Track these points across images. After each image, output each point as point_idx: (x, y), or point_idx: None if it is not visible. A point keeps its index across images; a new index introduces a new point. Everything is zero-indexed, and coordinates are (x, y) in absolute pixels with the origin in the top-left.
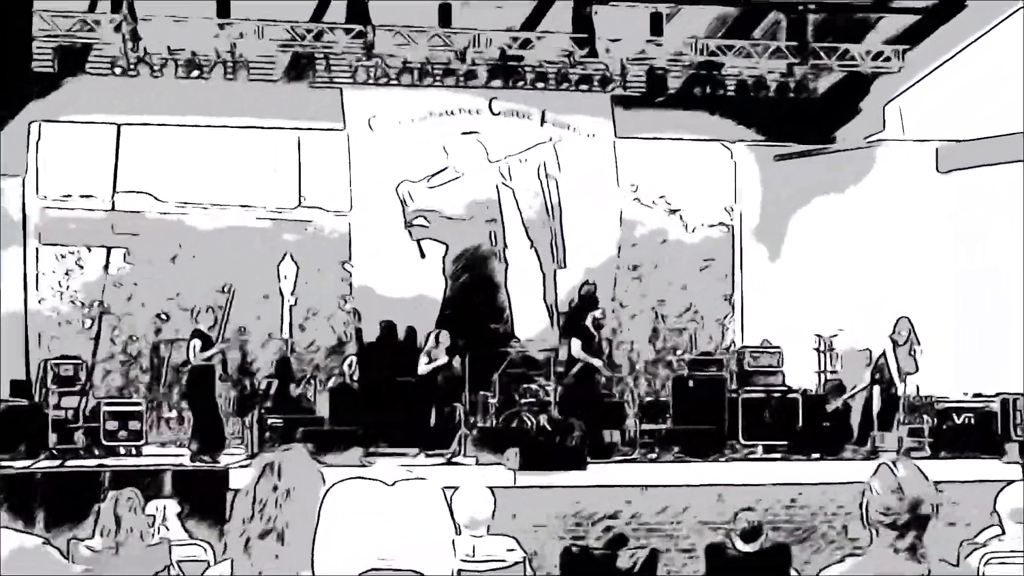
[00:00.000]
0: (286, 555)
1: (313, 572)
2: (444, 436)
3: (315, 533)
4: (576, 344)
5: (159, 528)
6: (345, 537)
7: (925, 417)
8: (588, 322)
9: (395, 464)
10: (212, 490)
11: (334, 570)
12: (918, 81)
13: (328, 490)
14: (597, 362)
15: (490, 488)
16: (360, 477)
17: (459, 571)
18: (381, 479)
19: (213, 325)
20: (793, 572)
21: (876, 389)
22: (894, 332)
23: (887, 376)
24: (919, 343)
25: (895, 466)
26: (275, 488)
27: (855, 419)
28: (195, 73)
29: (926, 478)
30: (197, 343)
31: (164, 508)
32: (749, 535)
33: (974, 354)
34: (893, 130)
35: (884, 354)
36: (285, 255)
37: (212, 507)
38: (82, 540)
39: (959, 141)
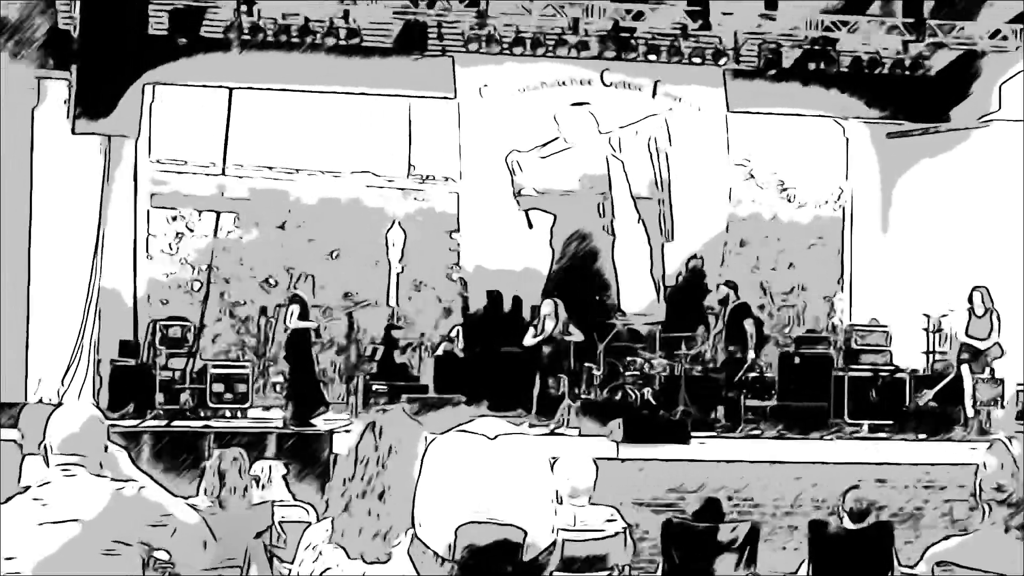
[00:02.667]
0: (386, 513)
1: (413, 527)
2: (548, 406)
3: (415, 488)
4: None
5: (263, 488)
6: (445, 490)
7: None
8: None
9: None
10: (316, 453)
11: (434, 522)
12: None
13: (430, 443)
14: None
15: (592, 459)
16: (463, 431)
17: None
18: (483, 433)
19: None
20: (896, 551)
21: (966, 369)
22: (970, 303)
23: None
24: (998, 315)
25: (1010, 443)
26: (376, 448)
27: (967, 400)
28: (308, 39)
29: None
30: (296, 308)
31: (269, 469)
32: (858, 515)
33: None
34: (1009, 110)
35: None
36: (393, 223)
37: (316, 470)
38: (186, 499)
39: None
